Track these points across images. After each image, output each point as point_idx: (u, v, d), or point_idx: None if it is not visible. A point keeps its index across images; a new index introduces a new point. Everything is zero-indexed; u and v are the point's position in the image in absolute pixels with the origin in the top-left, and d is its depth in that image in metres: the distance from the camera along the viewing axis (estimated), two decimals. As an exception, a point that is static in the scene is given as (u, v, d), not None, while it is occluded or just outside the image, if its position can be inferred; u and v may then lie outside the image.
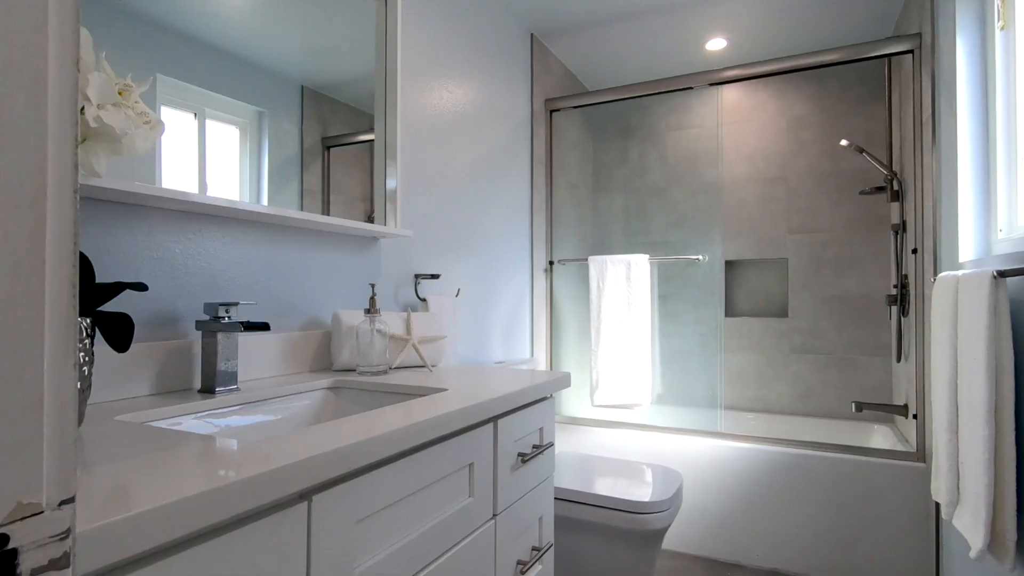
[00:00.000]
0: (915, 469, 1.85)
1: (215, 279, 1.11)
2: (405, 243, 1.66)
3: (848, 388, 2.56)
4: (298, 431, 0.71)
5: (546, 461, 1.24)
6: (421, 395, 1.09)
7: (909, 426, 2.12)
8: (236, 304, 1.02)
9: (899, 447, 2.07)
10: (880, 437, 2.36)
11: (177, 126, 0.99)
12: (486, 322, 2.09)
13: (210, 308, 1.00)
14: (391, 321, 1.35)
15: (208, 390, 1.00)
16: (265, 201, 1.19)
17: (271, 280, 1.24)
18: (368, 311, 1.25)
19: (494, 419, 1.02)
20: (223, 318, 1.00)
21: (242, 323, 0.96)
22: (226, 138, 1.07)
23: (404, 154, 1.66)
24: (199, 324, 1.01)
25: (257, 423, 1.01)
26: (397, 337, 1.32)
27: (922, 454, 1.87)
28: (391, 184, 1.53)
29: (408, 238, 1.67)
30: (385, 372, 1.26)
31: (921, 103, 1.88)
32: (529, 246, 2.44)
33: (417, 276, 1.68)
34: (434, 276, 1.67)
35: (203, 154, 1.04)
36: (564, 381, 1.28)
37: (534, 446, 1.18)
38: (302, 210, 1.26)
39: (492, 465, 1.01)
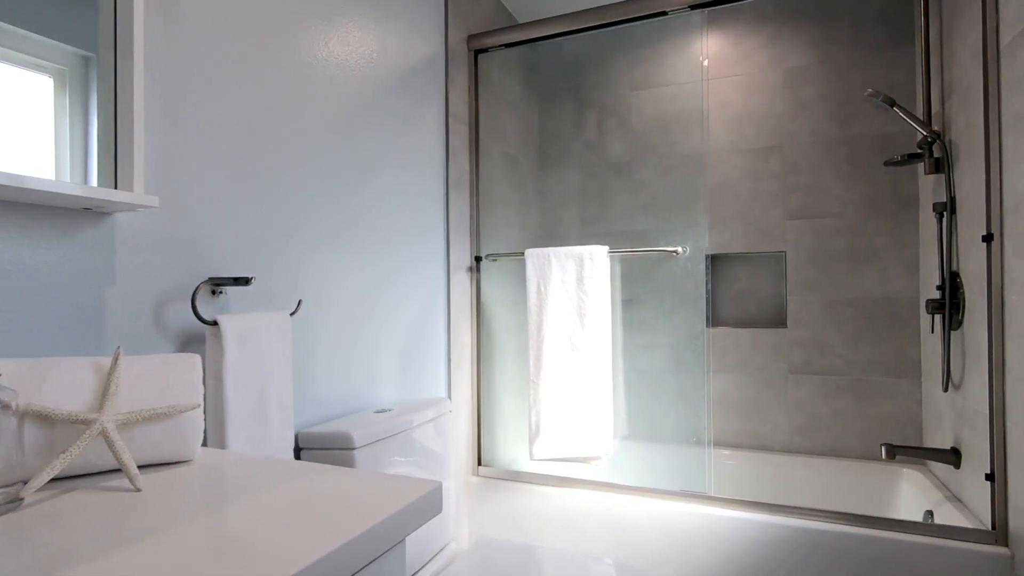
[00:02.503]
0: (993, 558, 1.26)
1: None
2: (180, 224, 0.95)
3: (865, 420, 1.98)
4: None
5: None
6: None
7: (959, 475, 1.55)
8: None
9: (950, 509, 1.49)
10: (911, 487, 1.79)
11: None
12: (369, 347, 1.40)
13: None
14: (65, 380, 0.64)
15: None
16: (94, 180, 0.79)
17: None
18: (-27, 367, 0.55)
19: None
20: None
21: None
22: (33, 91, 0.75)
23: (198, 87, 0.96)
24: None
25: None
26: (66, 419, 0.61)
27: (1003, 534, 1.28)
28: (126, 112, 0.82)
29: (174, 214, 0.96)
30: (16, 502, 0.56)
31: (998, 26, 1.29)
32: (444, 235, 1.76)
33: (213, 281, 0.98)
34: (240, 281, 0.97)
35: (-16, 110, 0.67)
36: (430, 505, 0.61)
37: None
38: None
39: None
